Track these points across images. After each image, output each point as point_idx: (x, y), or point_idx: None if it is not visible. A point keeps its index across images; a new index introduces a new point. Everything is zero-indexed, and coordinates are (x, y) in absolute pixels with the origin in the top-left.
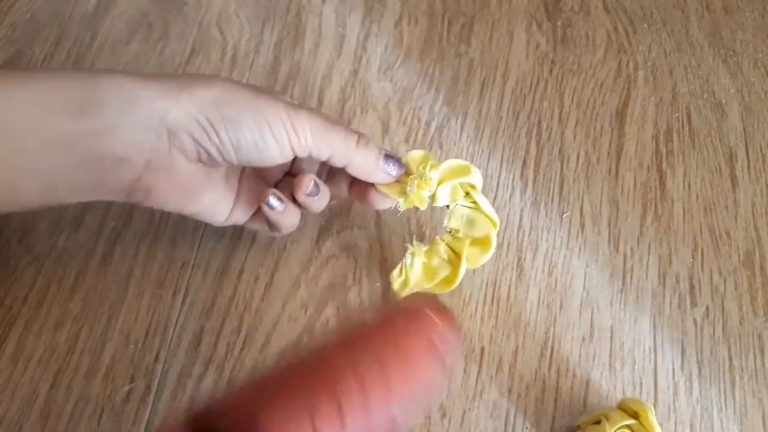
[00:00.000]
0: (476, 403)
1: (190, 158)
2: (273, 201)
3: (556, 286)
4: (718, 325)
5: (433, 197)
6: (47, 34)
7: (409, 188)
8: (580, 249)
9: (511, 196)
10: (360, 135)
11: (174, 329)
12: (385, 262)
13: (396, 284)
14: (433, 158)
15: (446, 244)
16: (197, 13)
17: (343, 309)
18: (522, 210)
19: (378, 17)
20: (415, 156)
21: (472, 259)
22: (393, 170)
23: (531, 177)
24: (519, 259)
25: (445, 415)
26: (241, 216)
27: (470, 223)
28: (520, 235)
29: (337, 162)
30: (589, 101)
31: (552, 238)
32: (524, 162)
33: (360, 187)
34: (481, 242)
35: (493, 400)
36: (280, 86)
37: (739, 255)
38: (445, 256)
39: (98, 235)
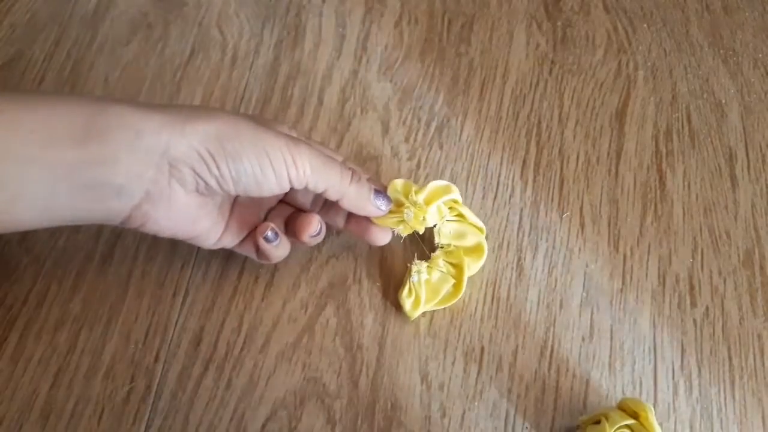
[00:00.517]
0: (476, 403)
1: (189, 189)
2: (270, 235)
3: (555, 286)
4: (717, 325)
5: (423, 219)
6: (47, 34)
7: (406, 216)
8: (579, 249)
9: (510, 196)
10: (354, 172)
11: (174, 329)
12: (385, 261)
13: (407, 305)
14: (413, 184)
15: (443, 258)
16: (197, 13)
17: (343, 309)
18: (522, 210)
19: (378, 17)
20: (397, 185)
21: (469, 267)
22: (383, 205)
23: (531, 177)
24: (519, 259)
25: (445, 414)
26: (230, 241)
27: (459, 235)
28: (520, 235)
29: (332, 195)
30: (589, 101)
31: (552, 238)
32: (524, 162)
33: (357, 221)
34: (474, 250)
35: (492, 399)
36: (280, 86)
37: (738, 255)
38: (444, 270)
39: (98, 236)
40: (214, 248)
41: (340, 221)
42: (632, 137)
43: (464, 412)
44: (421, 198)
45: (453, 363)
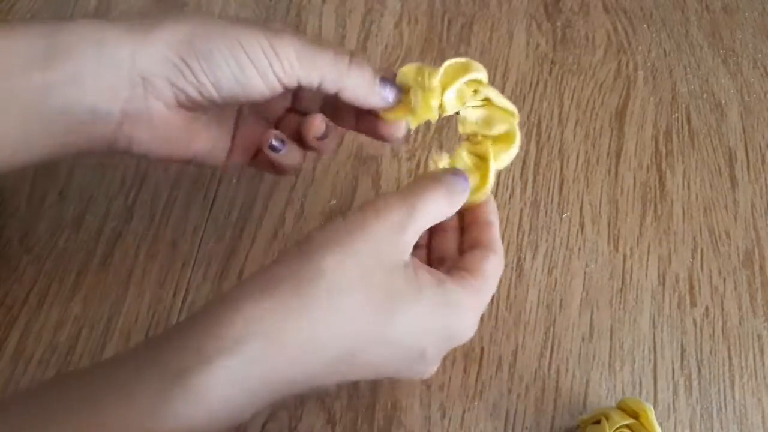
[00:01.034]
0: (476, 403)
1: (169, 104)
2: (275, 143)
3: (555, 286)
4: (717, 324)
5: (441, 107)
6: None
7: (414, 102)
8: (579, 249)
9: (510, 196)
10: (352, 54)
11: None
12: None
13: None
14: (428, 66)
15: (467, 150)
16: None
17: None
18: (522, 210)
19: (378, 17)
20: (408, 71)
21: (499, 159)
22: (390, 94)
23: (531, 177)
24: (519, 259)
25: (445, 415)
26: (241, 157)
27: (486, 122)
28: (520, 235)
29: (329, 87)
30: (589, 101)
31: (552, 238)
32: (524, 162)
33: (365, 119)
34: (504, 138)
35: (492, 400)
36: None
37: (738, 255)
38: (469, 162)
39: (99, 236)
40: (228, 165)
41: (350, 119)
42: (632, 137)
43: (464, 412)
44: (435, 81)
45: (453, 363)
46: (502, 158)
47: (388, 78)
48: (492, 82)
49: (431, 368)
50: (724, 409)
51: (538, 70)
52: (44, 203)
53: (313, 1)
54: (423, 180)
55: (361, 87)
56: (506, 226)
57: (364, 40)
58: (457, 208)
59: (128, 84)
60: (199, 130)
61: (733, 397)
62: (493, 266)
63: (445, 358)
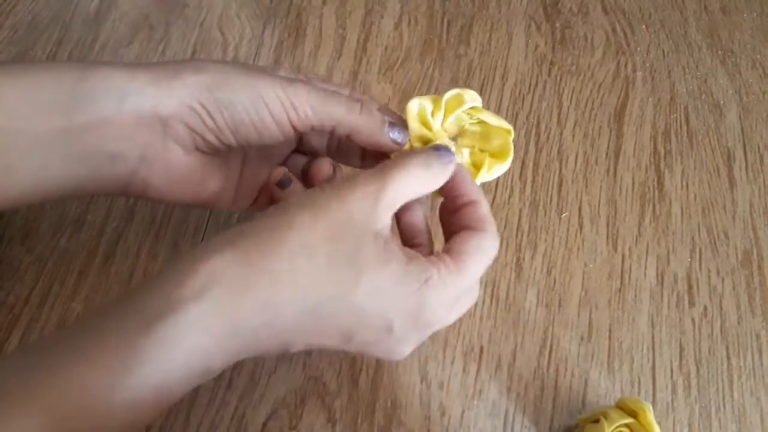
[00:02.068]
0: (475, 402)
1: (188, 148)
2: (284, 179)
3: (554, 286)
4: (716, 324)
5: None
6: (49, 35)
7: (416, 140)
8: (578, 249)
9: (510, 197)
10: (362, 102)
11: None
12: None
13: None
14: (428, 98)
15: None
16: (198, 14)
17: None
18: (521, 210)
19: (378, 18)
20: (412, 110)
21: (492, 170)
22: (398, 137)
23: (530, 177)
24: (518, 259)
25: (445, 413)
26: (246, 201)
27: (484, 137)
28: (519, 235)
29: (342, 131)
30: (588, 102)
31: (551, 238)
32: (523, 162)
33: (372, 158)
34: (499, 153)
35: (492, 399)
36: None
37: (737, 255)
38: (467, 161)
39: (100, 236)
40: (233, 209)
41: (356, 160)
42: (631, 138)
43: (464, 411)
44: (439, 120)
45: (452, 362)
46: (494, 170)
47: (395, 122)
48: (491, 83)
49: (403, 348)
50: (722, 409)
51: (537, 71)
52: (46, 203)
53: (314, 2)
54: (401, 154)
55: (372, 132)
56: (505, 226)
57: (364, 41)
58: (440, 182)
59: (149, 130)
60: (212, 171)
61: (732, 397)
62: (474, 245)
63: (444, 358)
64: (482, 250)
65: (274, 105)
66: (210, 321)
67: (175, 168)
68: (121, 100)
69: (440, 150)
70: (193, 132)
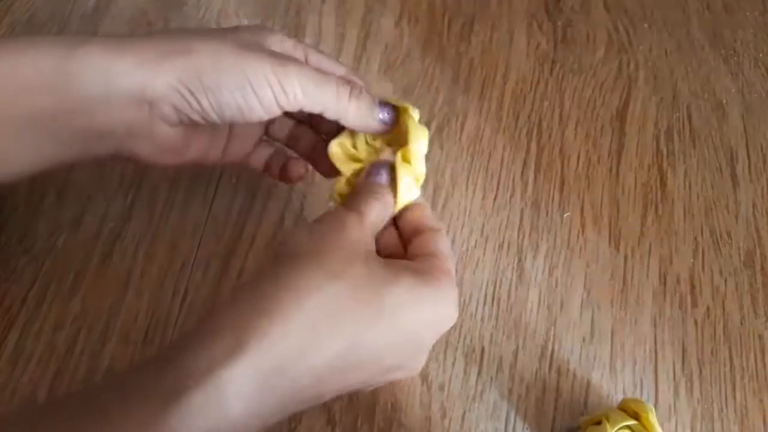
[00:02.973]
0: (476, 404)
1: (173, 123)
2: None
3: (556, 287)
4: (718, 325)
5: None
6: (47, 32)
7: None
8: (580, 249)
9: (511, 197)
10: (353, 86)
11: (173, 330)
12: None
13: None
14: (343, 134)
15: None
16: (197, 12)
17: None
18: (522, 210)
19: (378, 16)
20: (337, 154)
21: (404, 163)
22: (387, 118)
23: (531, 177)
24: (519, 260)
25: (446, 415)
26: (237, 155)
27: (398, 131)
28: (521, 235)
29: (330, 116)
30: (590, 101)
31: (552, 239)
32: (525, 162)
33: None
34: (413, 135)
35: (493, 400)
36: None
37: (740, 255)
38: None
39: (97, 236)
40: (225, 162)
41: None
42: (633, 137)
43: (464, 413)
44: (362, 148)
45: (453, 364)
46: (417, 146)
47: (383, 103)
48: (492, 81)
49: (424, 357)
50: (725, 410)
51: (538, 70)
52: (43, 203)
53: (313, 0)
54: (357, 193)
55: (361, 117)
56: (507, 227)
57: (364, 40)
58: (388, 199)
59: (136, 110)
60: (198, 137)
61: (734, 398)
62: (443, 244)
63: (445, 359)
64: (447, 248)
65: (262, 89)
66: (243, 383)
67: (161, 139)
68: (108, 82)
69: (373, 173)
70: (179, 111)
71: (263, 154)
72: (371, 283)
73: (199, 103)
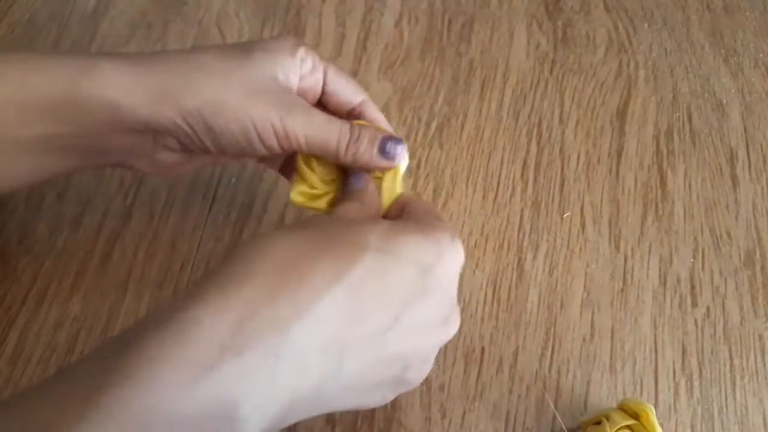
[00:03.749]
0: (476, 404)
1: (174, 150)
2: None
3: (556, 287)
4: (719, 325)
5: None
6: (46, 34)
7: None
8: (580, 249)
9: (511, 196)
10: (352, 136)
11: None
12: None
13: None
14: (297, 182)
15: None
16: (197, 12)
17: None
18: (522, 210)
19: (378, 16)
20: (299, 201)
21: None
22: (393, 153)
23: (531, 177)
24: (519, 260)
25: (445, 415)
26: (236, 158)
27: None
28: (521, 235)
29: (333, 159)
30: (590, 101)
31: (552, 239)
32: (525, 162)
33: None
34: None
35: (493, 400)
36: None
37: (740, 255)
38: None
39: (97, 236)
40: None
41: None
42: (633, 137)
43: (464, 413)
44: (319, 186)
45: (453, 364)
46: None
47: (388, 139)
48: (492, 81)
49: (431, 358)
50: (725, 410)
51: (538, 70)
52: (43, 203)
53: (313, 0)
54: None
55: (360, 160)
56: (507, 227)
57: (363, 40)
58: (371, 200)
59: (139, 138)
60: (197, 157)
61: (735, 398)
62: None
63: (445, 359)
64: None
65: (266, 135)
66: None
67: (162, 160)
68: (114, 115)
69: (352, 179)
70: (182, 143)
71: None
72: (352, 227)
73: (201, 141)
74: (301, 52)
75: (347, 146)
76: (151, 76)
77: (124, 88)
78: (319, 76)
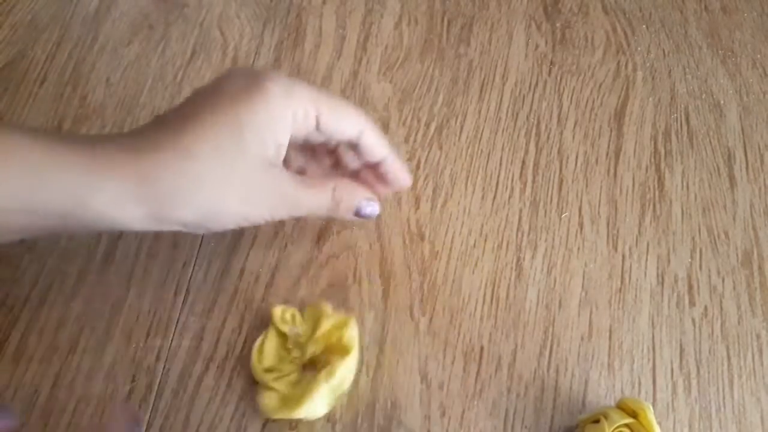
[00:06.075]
0: (475, 402)
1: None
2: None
3: (554, 286)
4: (716, 324)
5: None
6: (48, 35)
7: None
8: (578, 249)
9: (510, 197)
10: (332, 206)
11: (175, 329)
12: (385, 261)
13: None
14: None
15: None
16: (198, 14)
17: (343, 309)
18: (521, 210)
19: (378, 18)
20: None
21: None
22: (368, 214)
23: (530, 177)
24: (518, 259)
25: (445, 414)
26: None
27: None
28: (519, 235)
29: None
30: (588, 102)
31: (551, 238)
32: (523, 162)
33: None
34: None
35: (492, 399)
36: None
37: (737, 255)
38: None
39: (100, 235)
40: None
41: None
42: (631, 137)
43: (464, 411)
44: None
45: (452, 362)
46: (334, 371)
47: (363, 205)
48: (491, 82)
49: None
50: (722, 409)
51: (537, 71)
52: None
53: (314, 1)
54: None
55: (344, 219)
56: (505, 226)
57: (364, 41)
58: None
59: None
60: None
61: (732, 397)
62: None
63: (444, 358)
64: None
65: (257, 222)
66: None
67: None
68: (114, 225)
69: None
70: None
71: None
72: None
73: (193, 231)
74: (293, 106)
75: (328, 214)
76: (152, 194)
77: (127, 212)
78: (312, 122)
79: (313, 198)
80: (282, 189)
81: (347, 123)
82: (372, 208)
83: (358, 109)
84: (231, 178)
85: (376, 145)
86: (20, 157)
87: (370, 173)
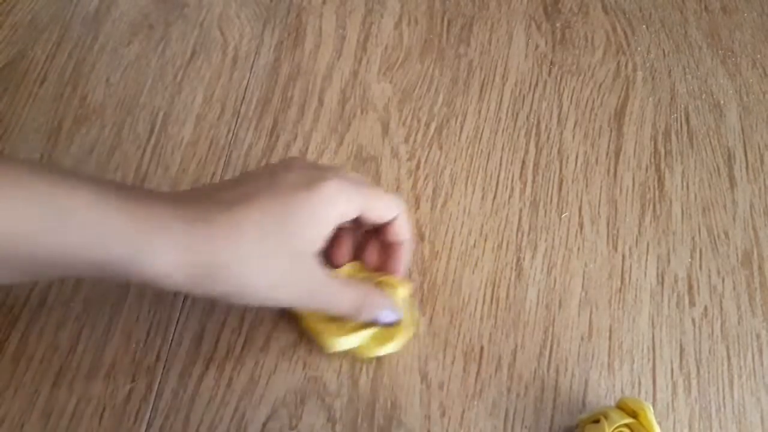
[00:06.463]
0: (475, 402)
1: None
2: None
3: (555, 286)
4: (716, 324)
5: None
6: (48, 35)
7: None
8: (578, 249)
9: (510, 197)
10: (358, 311)
11: (175, 328)
12: None
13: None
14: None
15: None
16: (198, 14)
17: None
18: (521, 210)
19: (378, 18)
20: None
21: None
22: (388, 321)
23: (530, 177)
24: (518, 259)
25: (445, 414)
26: None
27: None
28: (519, 235)
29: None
30: (588, 102)
31: (551, 238)
32: (523, 162)
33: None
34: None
35: (492, 399)
36: (280, 87)
37: (737, 255)
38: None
39: None
40: None
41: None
42: (631, 137)
43: (464, 411)
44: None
45: (452, 362)
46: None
47: (384, 314)
48: (491, 82)
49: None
50: (722, 409)
51: (537, 71)
52: None
53: (314, 1)
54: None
55: (367, 319)
56: (505, 226)
57: (364, 41)
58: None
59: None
60: None
61: (732, 397)
62: None
63: (444, 358)
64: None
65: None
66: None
67: None
68: (145, 282)
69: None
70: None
71: None
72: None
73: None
74: (343, 207)
75: (346, 314)
76: (199, 265)
77: (171, 277)
78: (355, 215)
79: (339, 300)
80: (311, 285)
81: (387, 212)
82: (390, 319)
83: (396, 196)
84: (269, 264)
85: (403, 229)
86: (81, 213)
87: (374, 242)
